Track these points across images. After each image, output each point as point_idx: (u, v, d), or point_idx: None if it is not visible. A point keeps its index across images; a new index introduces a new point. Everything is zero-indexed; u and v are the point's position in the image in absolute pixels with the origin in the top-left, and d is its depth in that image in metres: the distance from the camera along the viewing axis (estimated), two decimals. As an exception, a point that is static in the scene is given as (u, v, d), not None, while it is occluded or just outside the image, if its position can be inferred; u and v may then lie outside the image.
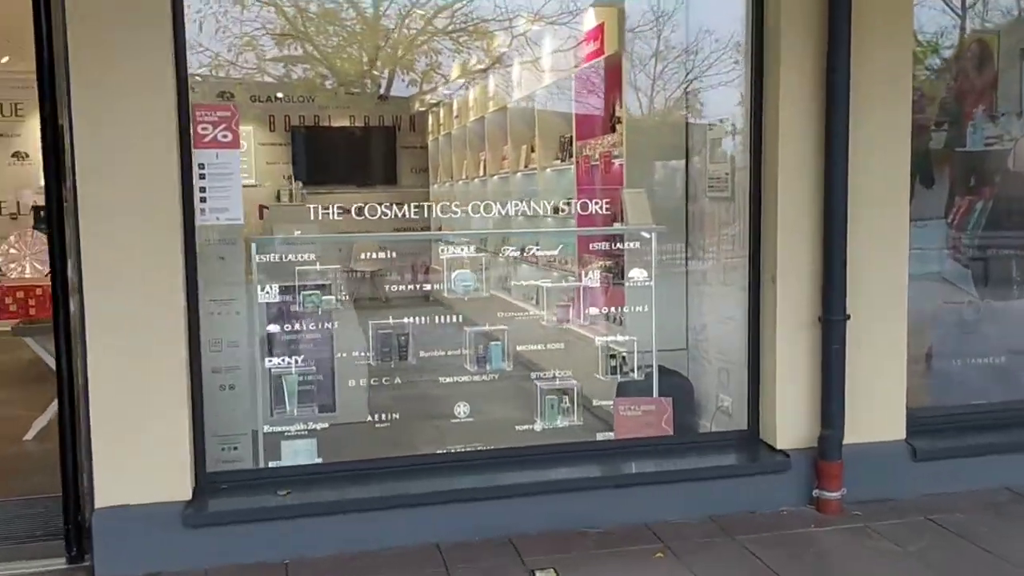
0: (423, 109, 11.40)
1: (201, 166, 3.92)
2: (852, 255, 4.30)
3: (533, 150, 7.35)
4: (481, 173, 8.91)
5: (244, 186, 7.07)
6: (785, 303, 4.42)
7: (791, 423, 4.43)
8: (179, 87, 3.78)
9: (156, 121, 3.70)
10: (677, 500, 4.28)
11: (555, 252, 5.01)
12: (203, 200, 3.92)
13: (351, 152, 11.55)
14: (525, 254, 5.10)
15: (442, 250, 4.63)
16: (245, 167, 9.12)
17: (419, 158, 11.61)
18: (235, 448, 4.13)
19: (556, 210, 6.75)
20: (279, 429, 4.39)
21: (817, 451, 4.37)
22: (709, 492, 4.32)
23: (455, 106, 10.10)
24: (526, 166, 7.55)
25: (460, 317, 4.70)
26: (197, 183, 3.91)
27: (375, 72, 10.37)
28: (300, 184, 9.77)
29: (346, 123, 11.79)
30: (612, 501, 4.24)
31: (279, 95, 11.08)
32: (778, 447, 4.44)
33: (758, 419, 4.60)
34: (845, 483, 4.33)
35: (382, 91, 10.57)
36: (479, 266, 4.70)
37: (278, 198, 9.78)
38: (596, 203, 4.90)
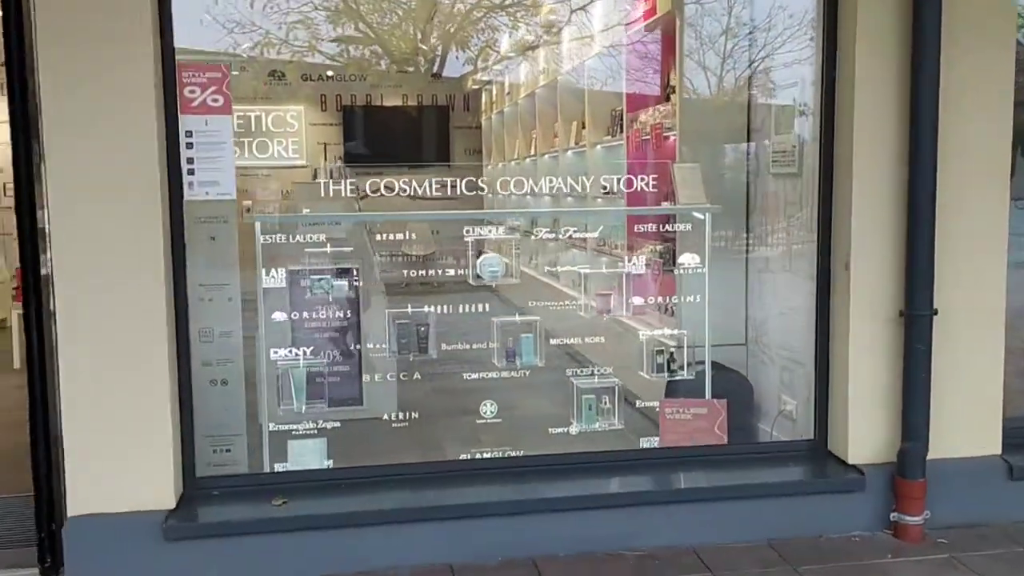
0: (476, 87, 10.91)
1: (188, 134, 3.43)
2: (940, 240, 3.64)
3: (584, 126, 6.76)
4: (532, 152, 8.37)
5: (292, 167, 6.59)
6: (860, 294, 3.76)
7: (866, 434, 3.78)
8: (162, 41, 3.28)
9: (134, 80, 3.20)
10: (730, 520, 3.67)
11: (595, 234, 4.39)
12: (191, 172, 3.44)
13: (403, 132, 11.11)
14: (560, 236, 4.50)
15: (466, 231, 4.07)
16: (296, 148, 8.70)
17: (472, 138, 11.10)
18: (228, 450, 3.64)
19: (605, 190, 6.20)
20: (285, 427, 3.91)
21: (896, 467, 3.72)
22: (767, 512, 3.70)
23: (507, 83, 9.56)
24: (576, 143, 6.96)
25: (488, 305, 4.15)
26: (184, 153, 3.41)
27: (427, 48, 9.94)
28: (340, 164, 9.31)
29: (398, 102, 11.33)
30: (654, 520, 3.65)
31: (330, 74, 10.69)
32: (850, 461, 3.79)
33: (826, 428, 3.95)
34: (928, 505, 3.68)
35: (435, 69, 10.14)
36: (509, 249, 4.13)
37: (314, 177, 9.33)
38: (643, 180, 4.26)
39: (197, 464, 3.52)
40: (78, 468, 3.29)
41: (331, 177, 8.50)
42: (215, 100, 3.45)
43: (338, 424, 4.01)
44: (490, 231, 4.10)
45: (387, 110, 11.16)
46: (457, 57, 9.97)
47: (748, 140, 4.72)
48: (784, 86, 4.40)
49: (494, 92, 10.34)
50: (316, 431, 3.95)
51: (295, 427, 3.93)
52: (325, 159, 7.79)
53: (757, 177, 4.65)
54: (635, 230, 4.50)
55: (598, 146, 6.41)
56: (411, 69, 10.36)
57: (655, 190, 4.31)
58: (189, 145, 3.42)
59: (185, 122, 3.42)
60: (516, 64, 9.28)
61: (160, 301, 3.29)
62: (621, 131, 5.94)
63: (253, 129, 6.57)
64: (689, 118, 4.89)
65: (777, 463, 3.91)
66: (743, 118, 4.76)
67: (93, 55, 3.16)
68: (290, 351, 3.96)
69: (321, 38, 9.23)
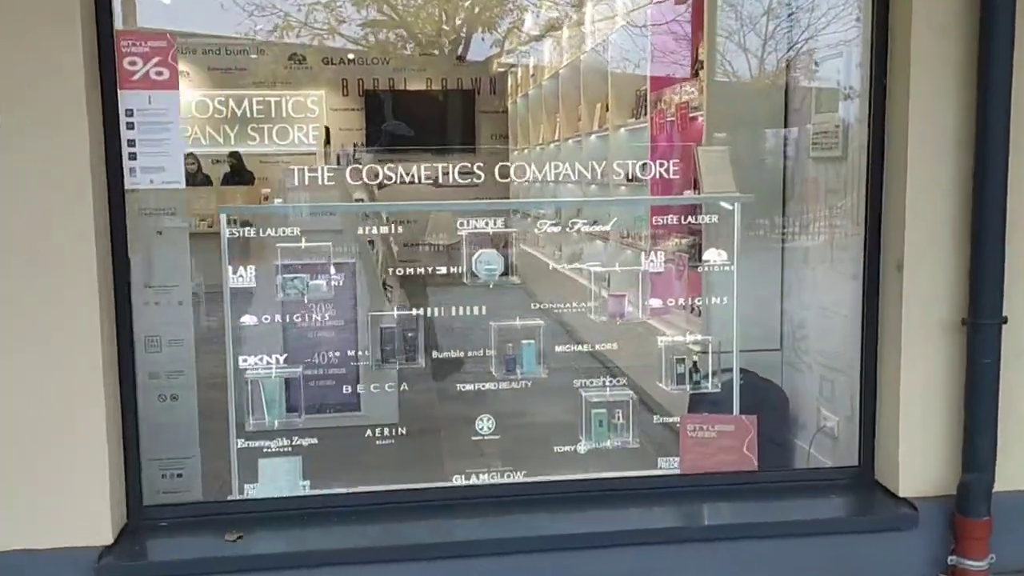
0: (502, 70, 10.40)
1: (129, 112, 2.93)
2: (1011, 238, 3.03)
3: (608, 108, 6.20)
4: (556, 137, 7.85)
5: (311, 154, 6.11)
6: (915, 298, 3.18)
7: (920, 462, 3.20)
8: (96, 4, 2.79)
9: (59, 46, 2.71)
10: (758, 562, 3.12)
11: (607, 227, 3.84)
12: (132, 157, 2.94)
13: (427, 117, 10.62)
14: (569, 228, 3.95)
15: (460, 224, 3.55)
16: (316, 134, 8.20)
17: (499, 123, 10.60)
18: (179, 475, 3.16)
19: (620, 176, 5.64)
20: (256, 445, 3.43)
21: (956, 502, 3.13)
22: (803, 553, 3.14)
23: (531, 64, 9.03)
24: (600, 126, 6.39)
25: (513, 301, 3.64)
26: (124, 135, 2.91)
27: (451, 30, 9.51)
28: (353, 149, 8.83)
29: (422, 86, 10.84)
30: (671, 560, 3.11)
31: (351, 57, 10.25)
32: (901, 494, 3.21)
33: (873, 452, 3.37)
34: (994, 547, 3.09)
35: (460, 52, 9.67)
36: (506, 244, 3.59)
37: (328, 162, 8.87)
38: (662, 166, 3.69)
39: (145, 491, 3.05)
40: (-2, 497, 2.83)
41: (337, 163, 7.99)
42: (159, 73, 2.95)
43: (315, 441, 3.52)
44: (487, 223, 3.56)
45: (411, 94, 10.68)
46: (483, 38, 9.55)
47: (785, 120, 4.12)
48: (828, 57, 3.79)
49: (519, 74, 9.83)
50: (290, 448, 3.47)
51: (267, 444, 3.45)
52: (327, 143, 7.29)
53: (795, 161, 4.06)
54: (654, 222, 3.92)
55: (621, 129, 5.84)
56: (435, 52, 9.94)
57: (676, 176, 3.74)
58: (130, 125, 2.93)
59: (125, 99, 2.92)
60: (541, 44, 8.77)
61: (93, 305, 2.81)
62: (645, 112, 5.37)
63: (273, 115, 6.18)
64: (718, 96, 4.30)
65: (815, 494, 3.34)
66: (779, 96, 4.17)
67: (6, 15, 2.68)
68: (261, 359, 3.47)
69: (343, 20, 8.82)
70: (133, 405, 2.98)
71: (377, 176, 5.07)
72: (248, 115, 5.69)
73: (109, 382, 2.88)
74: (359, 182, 4.58)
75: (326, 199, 4.01)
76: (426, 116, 10.57)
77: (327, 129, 6.06)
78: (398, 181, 3.79)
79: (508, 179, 3.63)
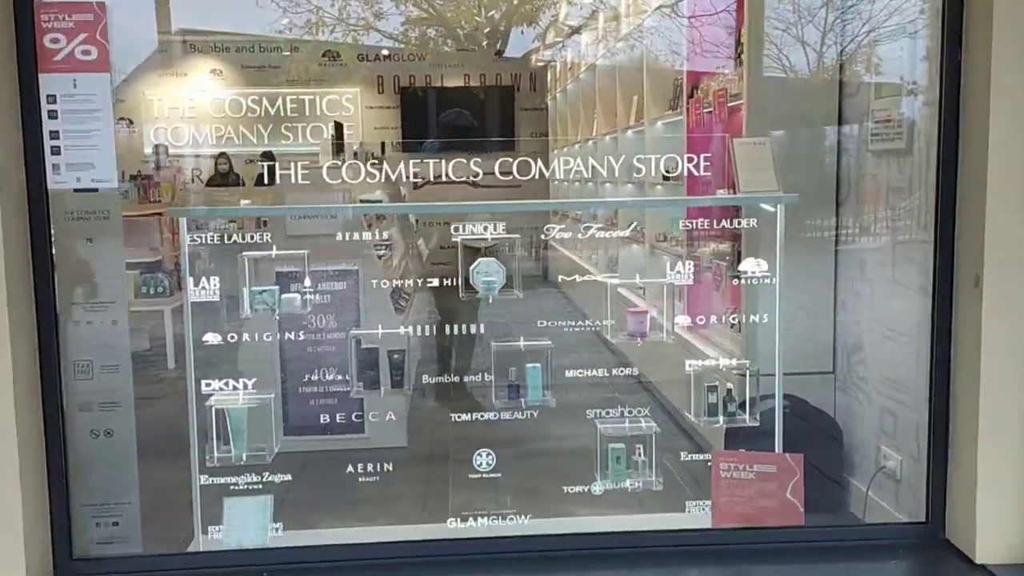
0: (541, 65, 9.90)
1: (51, 99, 2.48)
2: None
3: (644, 101, 5.64)
4: (593, 133, 7.35)
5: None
6: (997, 319, 2.58)
7: (1004, 521, 2.60)
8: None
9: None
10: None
11: (626, 232, 3.29)
12: (55, 152, 2.49)
13: (451, 128, 10.18)
14: (582, 233, 3.41)
15: (455, 229, 3.04)
16: (351, 131, 7.80)
17: (538, 121, 10.11)
18: (115, 523, 2.69)
19: (665, 174, 5.08)
20: (220, 482, 2.97)
21: (1050, 574, 2.52)
22: (857, 632, 2.56)
23: (568, 57, 8.53)
24: (636, 120, 5.84)
25: (555, 306, 3.13)
26: (46, 125, 2.46)
27: (487, 22, 9.09)
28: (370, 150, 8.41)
29: (460, 83, 10.39)
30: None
31: (386, 53, 9.86)
32: (978, 560, 2.61)
33: (944, 504, 2.77)
34: (1097, 630, 2.48)
35: (498, 47, 9.23)
36: (509, 253, 3.07)
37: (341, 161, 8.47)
38: (692, 161, 3.12)
39: (75, 542, 2.59)
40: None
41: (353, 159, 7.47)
42: (86, 52, 2.50)
43: (288, 477, 3.05)
44: (485, 228, 3.04)
45: (448, 91, 10.26)
46: (522, 32, 9.15)
47: (839, 107, 3.53)
48: (890, 30, 3.20)
49: (558, 69, 9.36)
50: (260, 485, 3.00)
51: (233, 481, 2.98)
52: (339, 137, 6.89)
53: (850, 155, 3.47)
54: (685, 226, 3.37)
55: (658, 123, 5.28)
56: (473, 48, 9.56)
57: (709, 173, 3.18)
58: (52, 114, 2.48)
59: (46, 83, 2.47)
60: (579, 36, 8.30)
61: (3, 323, 2.36)
62: (683, 104, 4.80)
63: (307, 113, 5.86)
64: (761, 82, 3.71)
65: (872, 557, 2.74)
66: (833, 80, 3.58)
67: None
68: (227, 384, 3.00)
69: (379, 15, 8.53)
70: (59, 442, 2.53)
71: (386, 174, 4.61)
72: (282, 113, 5.32)
73: (29, 419, 2.43)
74: (358, 179, 4.13)
75: (318, 201, 3.57)
76: (449, 126, 10.13)
77: (338, 125, 5.62)
78: (431, 179, 3.39)
79: (547, 178, 3.17)
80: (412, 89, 10.02)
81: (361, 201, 4.79)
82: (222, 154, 6.28)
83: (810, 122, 3.60)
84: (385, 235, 5.70)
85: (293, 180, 3.14)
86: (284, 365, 3.97)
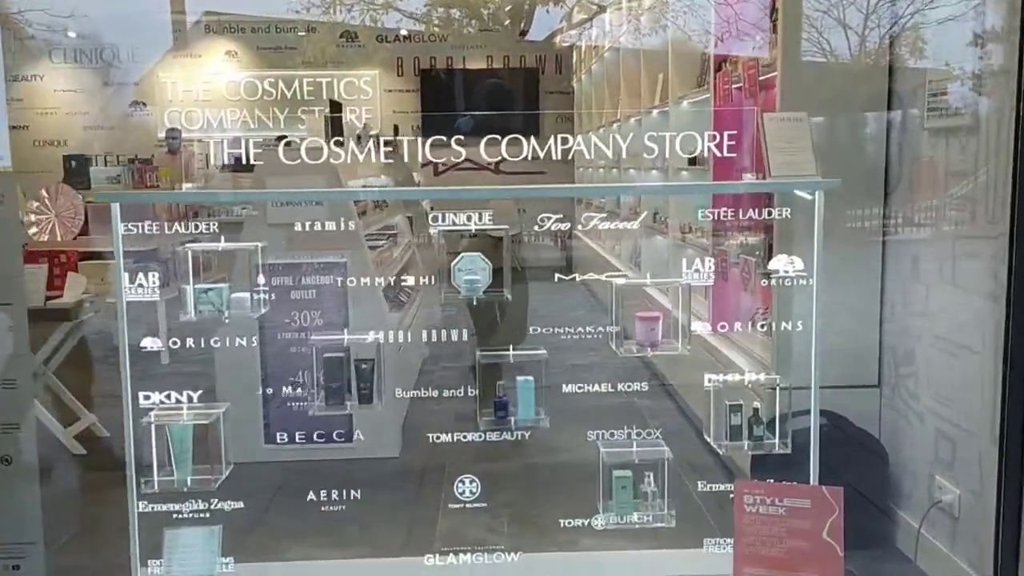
0: (567, 45, 9.42)
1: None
2: None
3: (669, 79, 5.15)
4: (618, 116, 6.89)
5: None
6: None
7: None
8: None
9: None
10: None
11: (634, 224, 2.82)
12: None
13: (488, 98, 9.72)
14: (583, 224, 2.94)
15: (433, 218, 2.59)
16: (370, 115, 7.37)
17: (564, 103, 9.66)
18: (16, 567, 2.28)
19: (692, 160, 4.59)
20: (162, 508, 2.57)
21: None
22: None
23: (594, 35, 8.06)
24: (661, 100, 5.35)
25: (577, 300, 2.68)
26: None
27: (510, 1, 8.70)
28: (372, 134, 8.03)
29: (482, 65, 9.95)
30: None
31: (406, 35, 9.45)
32: (1062, 632, 2.12)
33: (1017, 552, 2.27)
34: None
35: (522, 26, 8.80)
36: (495, 249, 2.61)
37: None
38: (715, 140, 2.63)
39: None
40: None
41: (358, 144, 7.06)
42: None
43: (240, 504, 2.64)
44: (469, 217, 2.58)
45: (470, 74, 9.84)
46: (547, 11, 8.74)
47: (889, 77, 3.02)
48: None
49: (583, 50, 8.90)
50: (208, 512, 2.59)
51: (176, 508, 2.58)
52: (335, 113, 6.48)
53: (903, 134, 2.96)
54: (704, 216, 2.88)
55: (684, 102, 4.78)
56: (497, 28, 9.18)
57: (734, 155, 2.68)
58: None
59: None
60: (604, 14, 7.83)
61: None
62: (710, 81, 4.30)
63: (324, 96, 5.52)
64: (797, 52, 3.20)
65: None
66: (883, 49, 3.07)
67: None
68: (168, 396, 2.59)
69: (397, -8, 8.21)
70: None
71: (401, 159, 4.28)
72: (298, 96, 4.97)
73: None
74: (340, 160, 3.72)
75: (293, 185, 3.16)
76: (486, 97, 9.68)
77: (335, 104, 5.18)
78: (450, 164, 3.07)
79: (573, 164, 2.73)
80: (433, 71, 9.60)
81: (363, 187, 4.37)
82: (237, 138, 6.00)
83: (855, 93, 3.09)
84: (391, 223, 5.28)
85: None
86: (265, 366, 3.59)
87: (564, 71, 9.56)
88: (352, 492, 2.70)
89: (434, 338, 2.67)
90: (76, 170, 6.11)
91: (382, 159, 4.74)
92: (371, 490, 2.78)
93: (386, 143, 4.37)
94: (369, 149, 4.47)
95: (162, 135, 6.34)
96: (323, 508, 2.75)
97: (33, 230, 5.90)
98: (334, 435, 3.52)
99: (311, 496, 2.74)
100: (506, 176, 3.91)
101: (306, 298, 3.72)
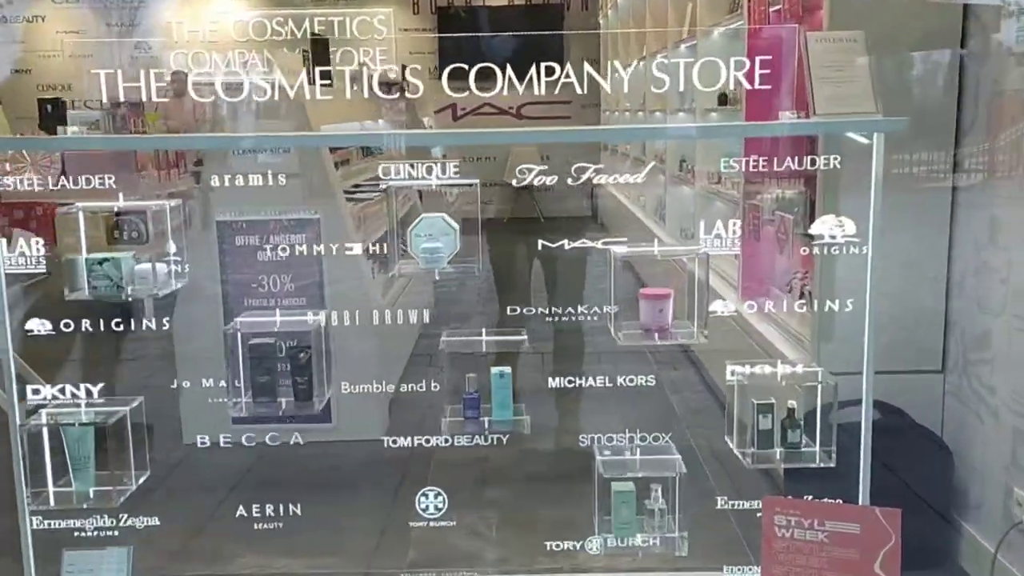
0: (594, -20, 8.82)
1: None
2: None
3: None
4: (643, 53, 6.27)
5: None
6: None
7: None
8: None
9: None
10: None
11: (639, 177, 2.23)
12: None
13: (509, 39, 9.10)
14: (573, 180, 2.35)
15: (383, 171, 2.05)
16: (384, 58, 6.81)
17: (589, 44, 9.00)
18: None
19: (723, 99, 3.98)
20: (59, 526, 2.10)
21: None
22: None
23: (619, -38, 7.43)
24: (689, 33, 4.71)
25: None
26: None
27: None
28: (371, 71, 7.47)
29: (504, 2, 9.34)
30: None
31: (420, -34, 8.92)
32: None
33: None
34: None
35: (546, -42, 8.26)
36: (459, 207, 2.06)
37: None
38: (744, 68, 2.03)
39: None
40: None
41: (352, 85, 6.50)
42: None
43: (156, 522, 2.16)
44: (429, 170, 2.04)
45: (491, 11, 9.22)
46: None
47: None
48: None
49: (612, -20, 8.28)
50: (115, 530, 2.12)
51: (76, 525, 2.11)
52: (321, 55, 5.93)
53: (982, 62, 2.33)
54: (727, 167, 2.29)
55: (714, 32, 4.15)
56: None
57: (769, 87, 2.08)
58: None
59: None
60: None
61: None
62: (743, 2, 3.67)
63: (336, 36, 4.99)
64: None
65: None
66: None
67: None
68: (63, 391, 2.10)
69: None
70: None
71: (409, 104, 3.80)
72: (308, 36, 4.52)
73: None
74: (309, 98, 3.18)
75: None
76: (507, 37, 9.10)
77: (320, 42, 4.59)
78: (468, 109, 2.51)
79: (599, 109, 2.19)
80: (451, 9, 9.00)
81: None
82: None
83: (920, 13, 2.45)
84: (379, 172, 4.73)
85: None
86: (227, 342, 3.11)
87: (590, 7, 8.90)
88: (289, 506, 2.20)
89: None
90: (53, 114, 5.67)
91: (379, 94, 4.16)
92: (264, 532, 2.23)
93: (392, 84, 3.80)
94: (358, 89, 3.88)
95: (167, 79, 5.91)
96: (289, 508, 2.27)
97: (8, 179, 5.44)
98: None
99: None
100: (529, 121, 3.77)
101: (274, 260, 3.20)
